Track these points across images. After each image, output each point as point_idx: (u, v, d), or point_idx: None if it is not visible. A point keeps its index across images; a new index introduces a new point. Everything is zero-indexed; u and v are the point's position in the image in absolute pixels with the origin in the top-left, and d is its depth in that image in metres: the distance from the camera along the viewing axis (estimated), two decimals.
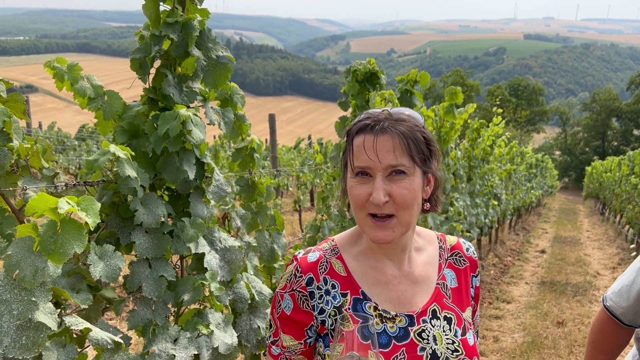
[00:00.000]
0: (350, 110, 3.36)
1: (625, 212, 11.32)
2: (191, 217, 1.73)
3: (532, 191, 14.50)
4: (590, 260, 9.69)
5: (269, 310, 2.15)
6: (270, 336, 1.14)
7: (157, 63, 1.74)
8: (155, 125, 1.64)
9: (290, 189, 11.55)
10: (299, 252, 1.15)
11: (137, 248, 1.58)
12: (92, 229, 1.03)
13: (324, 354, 1.07)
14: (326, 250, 1.14)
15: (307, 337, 1.09)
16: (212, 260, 1.78)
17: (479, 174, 6.87)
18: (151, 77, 1.71)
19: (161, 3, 1.67)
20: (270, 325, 1.14)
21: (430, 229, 5.10)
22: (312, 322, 1.09)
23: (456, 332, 1.11)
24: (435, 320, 1.10)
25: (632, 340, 1.69)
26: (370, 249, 1.12)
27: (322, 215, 2.93)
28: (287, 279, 1.12)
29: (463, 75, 53.34)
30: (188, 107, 1.70)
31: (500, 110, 7.27)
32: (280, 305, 1.11)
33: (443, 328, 1.10)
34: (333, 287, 1.09)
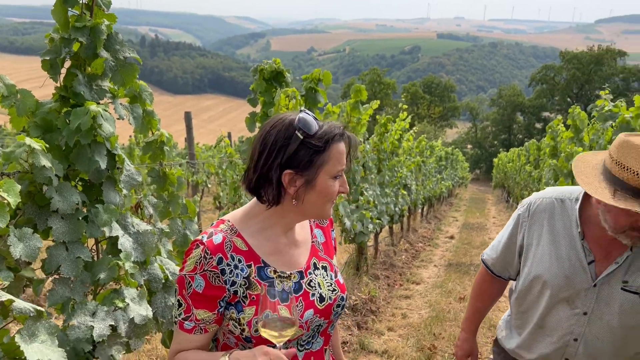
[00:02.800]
0: (259, 106, 3.59)
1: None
2: (104, 204, 1.90)
3: (442, 182, 15.43)
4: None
5: None
6: (180, 314, 1.27)
7: (67, 63, 1.89)
8: (67, 121, 1.79)
9: (210, 186, 11.59)
10: (202, 237, 1.29)
11: (54, 232, 1.74)
12: (13, 208, 1.20)
13: (238, 318, 1.24)
14: (226, 231, 1.30)
15: (220, 307, 1.26)
16: (125, 242, 1.97)
17: (388, 166, 7.34)
18: (61, 76, 1.86)
19: (69, 8, 1.83)
20: (180, 305, 1.27)
21: (342, 217, 5.43)
22: (225, 294, 1.25)
23: (331, 276, 1.40)
24: (316, 270, 1.38)
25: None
26: (265, 226, 1.33)
27: (235, 204, 3.14)
28: (197, 262, 1.24)
29: (380, 73, 55.01)
30: (98, 103, 1.87)
31: (405, 107, 7.79)
32: (191, 285, 1.24)
33: (323, 275, 1.38)
34: (239, 261, 1.26)
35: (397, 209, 7.55)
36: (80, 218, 1.84)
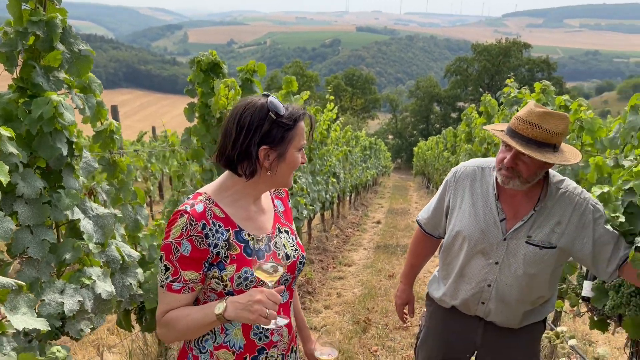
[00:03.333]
0: (197, 97, 3.71)
1: None
2: (65, 189, 2.00)
3: (367, 171, 16.00)
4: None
5: (139, 270, 2.48)
6: (168, 277, 1.41)
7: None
8: (27, 110, 1.88)
9: (139, 180, 11.36)
10: (185, 207, 1.44)
11: (19, 217, 1.83)
12: (4, 185, 1.32)
13: (221, 275, 1.42)
14: (205, 201, 1.47)
15: (204, 267, 1.43)
16: (87, 225, 2.08)
17: (318, 155, 7.62)
18: (18, 68, 1.94)
19: (23, 3, 1.91)
20: (167, 269, 1.41)
21: None
22: (209, 256, 1.42)
23: (292, 238, 1.63)
24: (281, 234, 1.59)
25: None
26: (238, 197, 1.51)
27: (179, 191, 3.27)
28: (183, 229, 1.38)
29: (302, 66, 55.52)
30: (57, 94, 1.96)
31: (332, 98, 8.10)
32: (179, 250, 1.40)
33: (286, 238, 1.60)
34: (219, 226, 1.44)
35: (327, 196, 7.86)
36: (43, 203, 1.93)
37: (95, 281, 1.98)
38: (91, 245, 2.01)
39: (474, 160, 2.18)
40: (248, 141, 1.41)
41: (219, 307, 1.36)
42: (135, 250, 2.72)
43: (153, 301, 2.63)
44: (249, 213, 1.53)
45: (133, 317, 2.81)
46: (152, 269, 2.66)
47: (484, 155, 5.96)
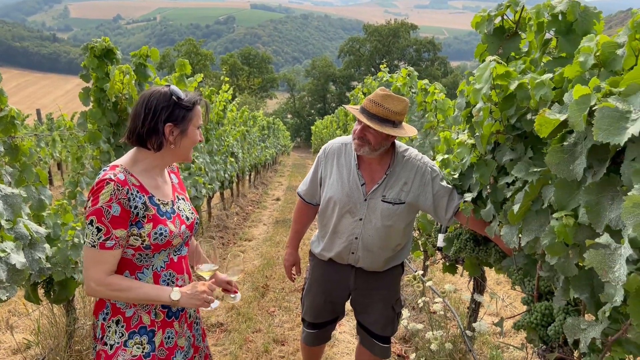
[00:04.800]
0: (92, 81, 3.83)
1: None
2: None
3: (266, 150, 16.35)
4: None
5: (46, 245, 2.67)
6: (100, 237, 1.66)
7: None
8: None
9: None
10: (109, 176, 1.70)
11: None
12: None
13: (140, 232, 1.71)
14: (122, 172, 1.75)
15: (129, 226, 1.72)
16: None
17: (215, 135, 7.84)
18: None
19: None
20: (99, 230, 1.66)
21: None
22: (131, 216, 1.72)
23: (188, 205, 1.98)
24: (179, 200, 1.93)
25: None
26: (148, 168, 1.81)
27: (79, 173, 3.43)
28: (112, 194, 1.64)
29: (196, 44, 53.97)
30: None
31: (227, 79, 8.31)
32: (109, 212, 1.66)
33: (183, 204, 1.95)
34: (137, 192, 1.74)
35: (226, 175, 8.13)
36: None
37: (9, 254, 2.18)
38: (2, 222, 2.21)
39: (339, 138, 2.63)
40: (156, 119, 1.73)
41: (175, 294, 1.73)
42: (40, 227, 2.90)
43: (61, 274, 2.83)
44: (157, 182, 1.85)
45: (40, 291, 2.98)
46: (58, 245, 2.85)
47: None
